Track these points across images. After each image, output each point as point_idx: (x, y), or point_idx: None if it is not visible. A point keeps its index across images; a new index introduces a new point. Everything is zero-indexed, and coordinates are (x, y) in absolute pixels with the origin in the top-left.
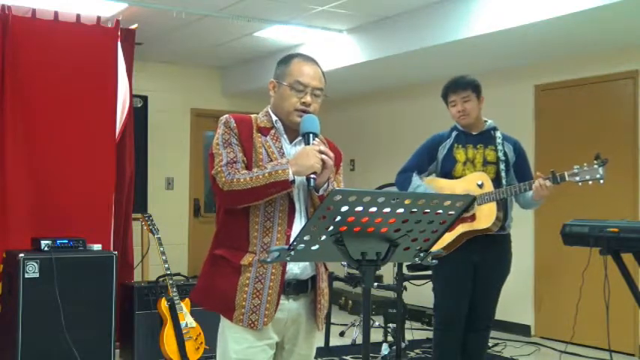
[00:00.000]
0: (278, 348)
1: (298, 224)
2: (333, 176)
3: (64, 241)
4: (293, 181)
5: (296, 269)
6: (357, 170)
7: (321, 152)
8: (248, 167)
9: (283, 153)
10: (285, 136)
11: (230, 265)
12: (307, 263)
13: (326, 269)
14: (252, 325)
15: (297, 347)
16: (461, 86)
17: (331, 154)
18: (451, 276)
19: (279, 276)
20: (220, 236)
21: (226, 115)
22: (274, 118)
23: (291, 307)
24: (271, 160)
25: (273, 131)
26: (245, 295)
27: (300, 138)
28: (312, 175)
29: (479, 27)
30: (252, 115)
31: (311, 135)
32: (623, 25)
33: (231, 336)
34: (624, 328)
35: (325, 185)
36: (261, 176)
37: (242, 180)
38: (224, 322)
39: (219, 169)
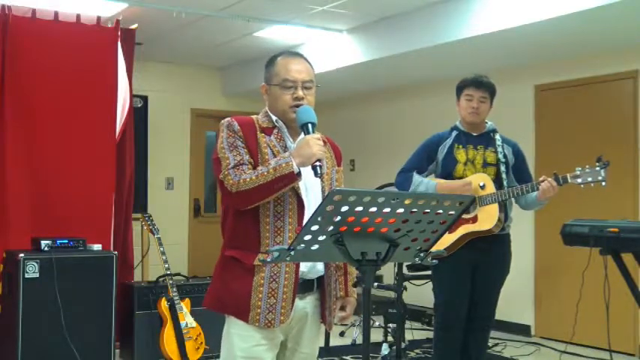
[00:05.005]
0: (281, 347)
1: None
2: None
3: (64, 241)
4: (299, 173)
5: (303, 268)
6: (357, 170)
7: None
8: (255, 168)
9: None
10: (287, 134)
11: (242, 267)
12: (316, 262)
13: (340, 270)
14: (268, 324)
15: (301, 346)
16: (483, 85)
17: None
18: (451, 276)
19: (292, 274)
20: (231, 238)
21: (228, 119)
22: (274, 118)
23: (297, 306)
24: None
25: (275, 130)
26: (260, 296)
27: (302, 135)
28: (317, 163)
29: (479, 27)
30: (253, 117)
31: (309, 125)
32: (623, 25)
33: (237, 334)
34: (624, 328)
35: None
36: (266, 173)
37: (248, 179)
38: (230, 322)
39: (226, 172)
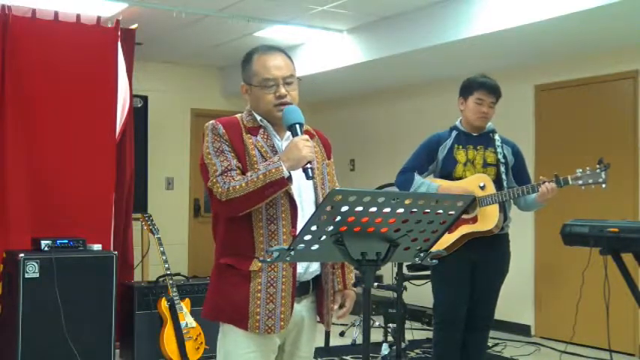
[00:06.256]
0: (279, 350)
1: (302, 223)
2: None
3: (64, 241)
4: (289, 178)
5: (299, 269)
6: (357, 170)
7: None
8: (244, 172)
9: (276, 151)
10: (274, 133)
11: (238, 274)
12: (311, 263)
13: (334, 268)
14: (269, 330)
15: (298, 350)
16: (495, 91)
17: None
18: (450, 276)
19: (290, 278)
20: (224, 245)
21: (212, 122)
22: (258, 117)
23: (294, 309)
24: (265, 160)
25: (261, 130)
26: (259, 302)
27: (289, 134)
28: (308, 166)
29: (479, 27)
30: (238, 116)
31: (297, 126)
32: (623, 25)
33: (233, 341)
34: (624, 328)
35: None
36: (255, 179)
37: (238, 187)
38: (225, 329)
39: (214, 180)
